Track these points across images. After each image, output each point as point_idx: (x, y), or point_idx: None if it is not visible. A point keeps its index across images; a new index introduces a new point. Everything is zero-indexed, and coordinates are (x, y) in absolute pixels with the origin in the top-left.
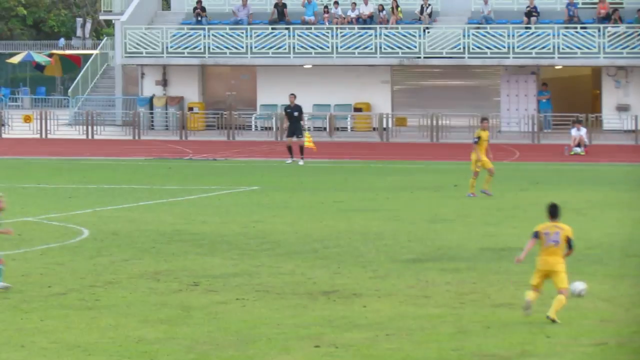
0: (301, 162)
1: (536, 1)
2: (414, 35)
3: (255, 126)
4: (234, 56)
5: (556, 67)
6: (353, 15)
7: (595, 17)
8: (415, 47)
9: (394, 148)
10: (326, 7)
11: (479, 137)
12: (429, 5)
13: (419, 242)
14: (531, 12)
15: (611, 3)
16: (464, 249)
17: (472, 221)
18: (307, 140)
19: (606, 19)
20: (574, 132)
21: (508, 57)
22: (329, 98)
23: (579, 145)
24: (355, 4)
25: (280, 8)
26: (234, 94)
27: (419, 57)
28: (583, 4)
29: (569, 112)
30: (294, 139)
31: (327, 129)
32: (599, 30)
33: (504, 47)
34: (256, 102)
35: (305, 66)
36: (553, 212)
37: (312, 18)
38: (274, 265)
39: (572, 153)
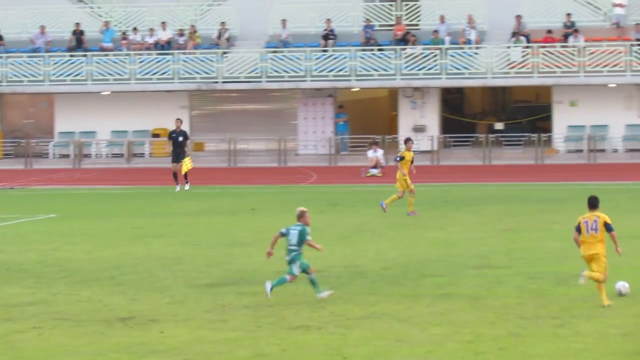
0: (187, 187)
1: (333, 24)
2: (212, 60)
3: (53, 154)
4: (31, 84)
5: (353, 90)
6: (151, 41)
7: (392, 39)
8: (214, 72)
9: (191, 173)
10: (124, 33)
11: (402, 157)
12: (227, 30)
13: (216, 267)
14: (328, 35)
15: (407, 25)
16: (260, 272)
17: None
18: (187, 164)
19: (402, 40)
20: (370, 153)
21: (305, 81)
22: (128, 124)
23: (375, 166)
24: (152, 29)
25: (78, 35)
26: (32, 121)
27: (217, 82)
28: (380, 26)
29: (366, 133)
30: (179, 163)
31: (125, 156)
32: (396, 52)
33: (302, 71)
34: (54, 130)
35: (103, 93)
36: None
37: (110, 45)
38: (71, 293)
39: (369, 174)
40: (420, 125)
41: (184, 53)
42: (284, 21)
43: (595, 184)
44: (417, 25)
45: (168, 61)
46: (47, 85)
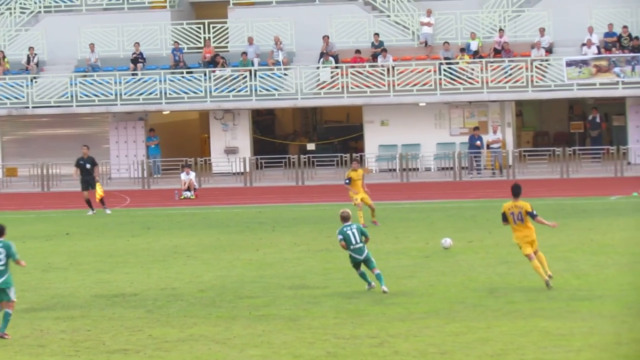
0: (108, 211)
1: (142, 47)
2: (21, 85)
3: None
4: None
5: (164, 112)
6: None
7: (201, 62)
8: (24, 97)
9: (2, 199)
10: None
11: (349, 178)
12: (35, 54)
13: (32, 292)
14: (137, 59)
15: (216, 47)
16: (77, 296)
17: (85, 268)
18: (99, 190)
19: (211, 63)
20: (183, 176)
21: (116, 104)
22: None
23: (189, 189)
24: None
25: None
26: None
27: (28, 107)
28: (188, 49)
29: (179, 156)
30: (89, 190)
31: None
32: (205, 75)
33: (112, 94)
34: None
35: None
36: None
37: None
38: None
39: (182, 197)
40: (232, 147)
41: None
42: (92, 45)
43: (409, 202)
44: (225, 47)
45: None
46: None
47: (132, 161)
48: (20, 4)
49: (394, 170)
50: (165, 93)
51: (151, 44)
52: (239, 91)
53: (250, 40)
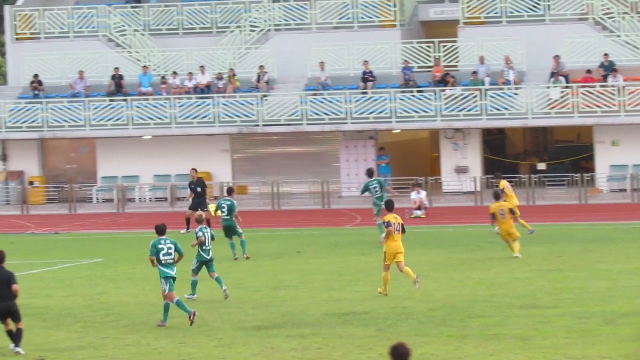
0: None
1: (372, 66)
2: (252, 104)
3: (97, 198)
4: (73, 129)
5: (394, 132)
6: (190, 85)
7: (431, 81)
8: (254, 115)
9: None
10: (163, 77)
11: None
12: (266, 73)
13: (263, 309)
14: (367, 78)
15: (446, 66)
16: (308, 314)
17: (316, 287)
18: (213, 211)
19: (442, 82)
20: (414, 195)
21: (346, 123)
22: (170, 168)
23: (419, 208)
24: (192, 73)
25: (118, 80)
26: (75, 166)
27: (258, 125)
28: (419, 68)
29: (408, 175)
30: (198, 211)
31: (169, 200)
32: (435, 94)
33: (342, 113)
34: (97, 175)
35: (144, 137)
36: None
37: (150, 89)
38: (119, 337)
39: (413, 216)
40: (462, 166)
41: (224, 97)
42: (322, 64)
43: None
44: (455, 66)
45: (208, 105)
46: (88, 130)
47: (362, 180)
48: (251, 22)
49: (625, 190)
50: (396, 112)
51: (381, 62)
52: (469, 110)
53: (482, 60)
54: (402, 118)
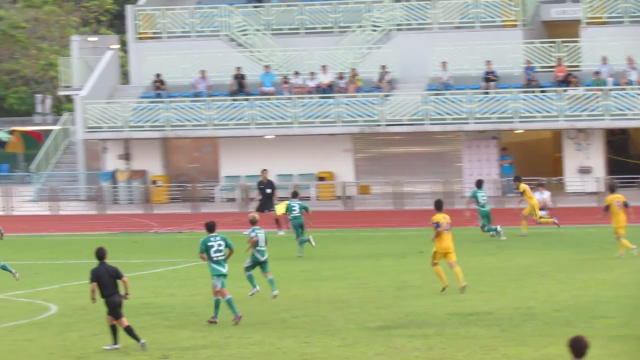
0: (282, 233)
1: (494, 66)
2: (373, 103)
3: (220, 198)
4: (195, 128)
5: (517, 132)
6: (312, 84)
7: (553, 81)
8: (376, 114)
9: (358, 216)
10: (285, 77)
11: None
12: (388, 72)
13: (386, 309)
14: (489, 77)
15: (568, 66)
16: (431, 314)
17: (439, 287)
18: (280, 209)
19: (564, 82)
20: (537, 195)
21: (468, 123)
22: (292, 168)
23: (543, 208)
24: (313, 73)
25: (240, 79)
26: (197, 166)
27: (380, 125)
28: (541, 67)
29: (531, 175)
30: (265, 212)
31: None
32: (558, 94)
33: (464, 113)
34: (219, 174)
35: (266, 137)
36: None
37: (272, 88)
38: (243, 336)
39: (537, 218)
40: (585, 166)
41: (346, 96)
42: (444, 63)
43: None
44: (578, 66)
45: (330, 104)
46: (210, 129)
47: (485, 180)
48: (372, 22)
49: None
50: (518, 112)
51: (503, 62)
52: (592, 111)
53: (604, 60)
54: (525, 118)
